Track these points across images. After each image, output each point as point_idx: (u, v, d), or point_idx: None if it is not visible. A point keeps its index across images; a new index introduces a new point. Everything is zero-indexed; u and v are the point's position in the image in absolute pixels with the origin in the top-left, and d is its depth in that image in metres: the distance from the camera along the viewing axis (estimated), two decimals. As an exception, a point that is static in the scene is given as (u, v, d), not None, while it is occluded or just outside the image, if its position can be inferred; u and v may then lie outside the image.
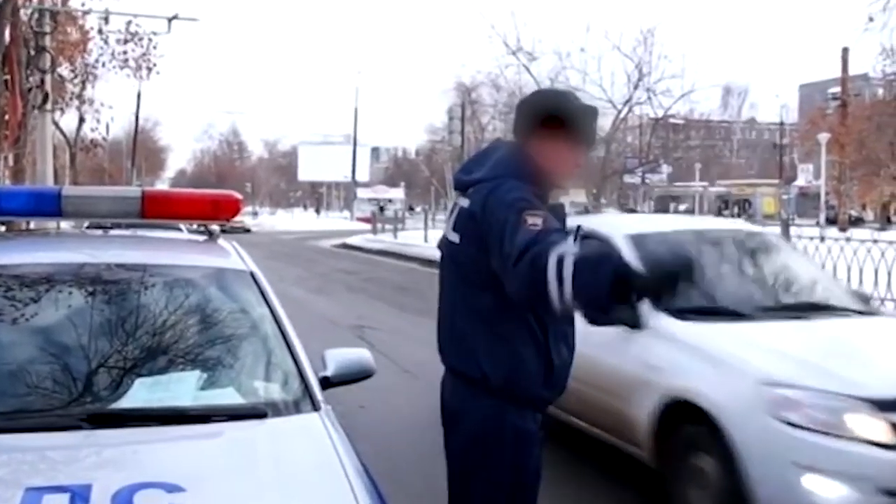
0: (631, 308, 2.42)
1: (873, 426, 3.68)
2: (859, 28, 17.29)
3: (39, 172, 16.52)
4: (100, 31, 20.95)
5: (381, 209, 50.29)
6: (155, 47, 22.11)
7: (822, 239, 12.14)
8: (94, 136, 25.75)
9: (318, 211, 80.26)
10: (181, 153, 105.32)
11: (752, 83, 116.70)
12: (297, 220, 63.71)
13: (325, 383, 2.99)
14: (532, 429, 2.69)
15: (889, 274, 9.92)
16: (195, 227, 5.18)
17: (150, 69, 22.98)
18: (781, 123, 63.94)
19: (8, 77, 13.97)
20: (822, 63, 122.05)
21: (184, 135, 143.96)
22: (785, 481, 3.74)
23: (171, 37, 24.78)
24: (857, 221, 41.78)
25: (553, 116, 2.68)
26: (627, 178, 45.46)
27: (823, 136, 35.59)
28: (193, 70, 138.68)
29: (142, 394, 2.67)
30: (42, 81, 16.28)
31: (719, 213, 46.38)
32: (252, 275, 3.29)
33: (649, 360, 4.50)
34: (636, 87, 27.83)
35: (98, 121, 24.52)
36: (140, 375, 2.74)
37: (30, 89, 15.73)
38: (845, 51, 38.98)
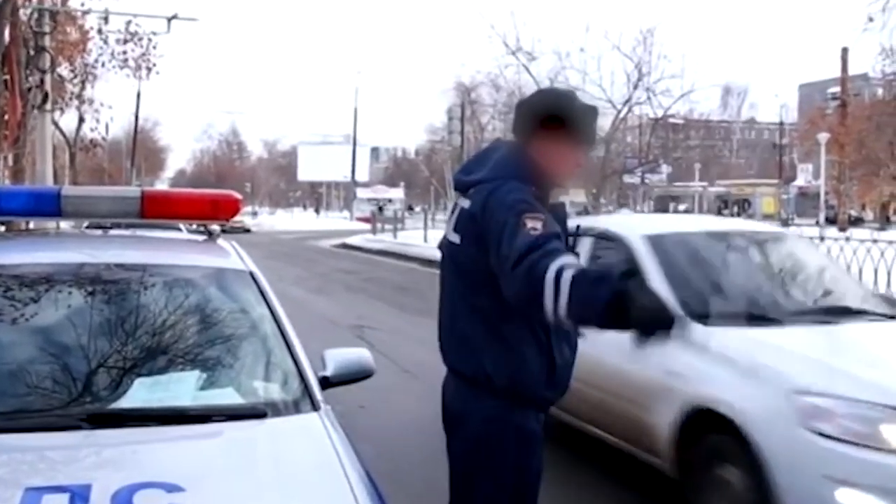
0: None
1: None
2: (859, 28, 17.32)
3: (39, 172, 16.52)
4: (99, 31, 20.95)
5: (380, 209, 50.28)
6: (154, 47, 22.12)
7: (822, 239, 12.18)
8: (93, 136, 25.72)
9: (317, 211, 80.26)
10: (181, 153, 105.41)
11: (752, 83, 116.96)
12: (296, 220, 63.73)
13: (325, 383, 2.99)
14: (535, 429, 2.69)
15: (889, 274, 9.93)
16: (195, 227, 5.18)
17: (149, 69, 22.99)
18: (781, 123, 63.99)
19: (7, 77, 13.96)
20: (822, 63, 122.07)
21: (183, 135, 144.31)
22: (817, 495, 3.55)
23: (171, 37, 24.91)
24: (856, 221, 41.81)
25: (553, 116, 2.67)
26: (627, 178, 45.48)
27: (823, 136, 35.62)
28: (193, 70, 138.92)
29: (141, 394, 2.67)
30: (42, 81, 16.27)
31: (719, 213, 46.37)
32: (252, 275, 3.29)
33: (671, 366, 4.28)
34: (636, 87, 27.87)
35: (98, 121, 24.49)
36: (140, 375, 2.74)
37: (29, 89, 15.72)
38: (845, 51, 39.01)
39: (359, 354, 3.25)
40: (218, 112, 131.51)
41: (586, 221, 6.27)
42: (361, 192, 68.78)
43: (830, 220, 34.99)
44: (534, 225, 2.43)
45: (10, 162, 15.16)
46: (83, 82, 23.83)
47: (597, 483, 5.17)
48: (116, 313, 2.99)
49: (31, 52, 16.32)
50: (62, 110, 23.37)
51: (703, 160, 62.67)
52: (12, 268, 3.15)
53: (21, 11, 15.66)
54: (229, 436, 2.60)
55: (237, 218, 4.23)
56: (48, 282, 3.09)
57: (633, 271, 4.61)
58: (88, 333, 2.86)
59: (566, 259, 2.34)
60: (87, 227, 5.21)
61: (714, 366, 4.15)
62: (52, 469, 2.36)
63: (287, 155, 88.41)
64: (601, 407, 4.89)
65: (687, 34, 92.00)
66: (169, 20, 19.14)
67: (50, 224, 4.69)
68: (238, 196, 3.76)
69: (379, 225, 38.60)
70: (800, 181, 54.33)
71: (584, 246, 5.34)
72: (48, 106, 16.88)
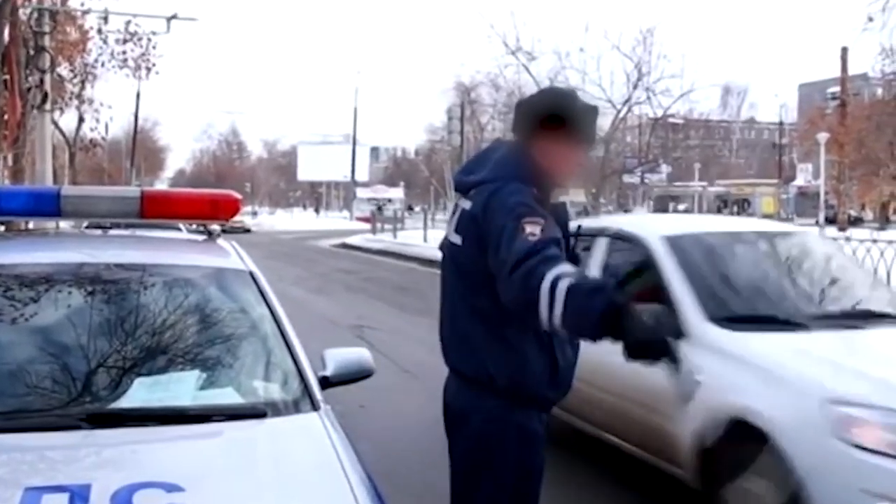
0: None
1: None
2: (858, 28, 17.36)
3: (38, 172, 16.53)
4: (99, 31, 20.97)
5: (380, 209, 50.27)
6: (154, 47, 22.13)
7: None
8: (93, 136, 25.72)
9: (317, 211, 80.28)
10: (180, 153, 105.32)
11: (752, 83, 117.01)
12: (296, 220, 63.76)
13: (325, 383, 2.98)
14: (537, 429, 2.69)
15: (888, 273, 9.92)
16: (194, 227, 5.18)
17: (149, 69, 23.00)
18: (781, 123, 64.03)
19: (7, 77, 13.97)
20: (822, 63, 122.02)
21: (183, 135, 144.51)
22: None
23: (171, 36, 24.86)
24: (856, 221, 41.83)
25: (555, 116, 2.66)
26: (627, 178, 45.56)
27: (823, 136, 35.58)
28: (193, 70, 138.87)
29: (141, 393, 2.67)
30: (41, 81, 16.27)
31: (718, 213, 46.37)
32: (251, 274, 3.29)
33: (693, 373, 4.06)
34: (635, 87, 27.94)
35: (97, 120, 24.47)
36: (139, 375, 2.74)
37: (29, 89, 15.72)
38: (844, 50, 38.97)
39: (358, 354, 3.25)
40: (217, 112, 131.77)
41: (599, 222, 6.10)
42: (361, 192, 68.81)
43: (830, 220, 34.95)
44: (532, 230, 2.42)
45: (10, 162, 15.17)
46: (83, 82, 23.84)
47: (597, 483, 5.17)
48: (116, 313, 2.99)
49: (31, 52, 16.34)
50: (62, 110, 23.38)
51: (703, 160, 62.68)
52: (12, 267, 3.15)
53: (21, 11, 15.67)
54: (229, 436, 2.60)
55: (237, 218, 4.23)
56: (48, 282, 3.09)
57: (654, 291, 4.42)
58: (88, 333, 2.86)
59: (563, 268, 2.33)
60: (87, 227, 5.21)
61: (741, 373, 3.96)
62: (51, 469, 2.35)
63: (287, 155, 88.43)
64: (617, 413, 4.72)
65: (687, 34, 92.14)
66: (168, 20, 19.19)
67: (49, 224, 4.69)
68: (238, 196, 3.76)
69: (379, 225, 38.61)
70: (799, 181, 54.29)
71: (599, 247, 5.25)
72: (48, 106, 16.89)
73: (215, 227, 3.75)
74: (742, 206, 52.21)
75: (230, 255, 3.50)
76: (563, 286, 2.26)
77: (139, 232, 4.21)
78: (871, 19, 16.43)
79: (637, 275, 4.89)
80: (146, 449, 2.48)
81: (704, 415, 3.98)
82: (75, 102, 24.23)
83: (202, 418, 2.62)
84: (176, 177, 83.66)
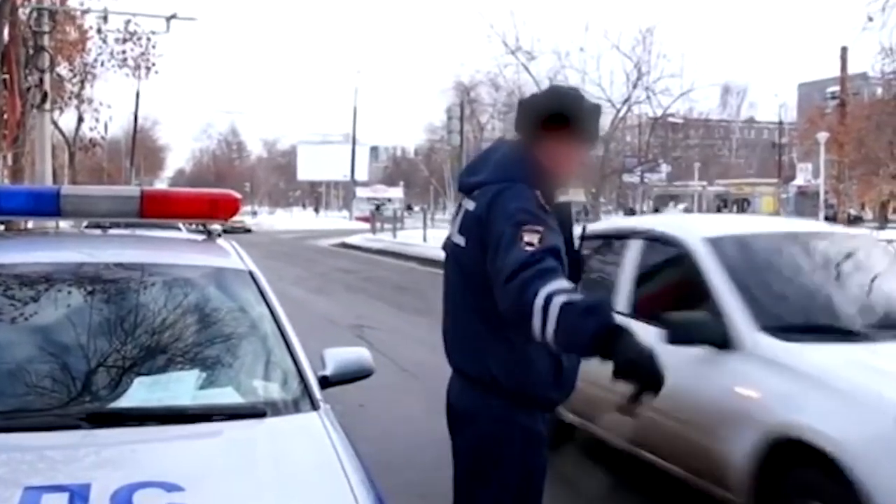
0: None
1: None
2: (858, 27, 17.32)
3: (38, 172, 16.53)
4: (98, 31, 20.99)
5: (379, 208, 50.25)
6: (154, 46, 22.14)
7: None
8: (92, 136, 25.71)
9: (317, 210, 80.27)
10: (180, 153, 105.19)
11: (751, 82, 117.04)
12: (296, 220, 63.77)
13: (324, 382, 2.98)
14: (541, 430, 2.69)
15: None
16: (194, 226, 5.18)
17: (148, 68, 23.03)
18: (780, 123, 63.99)
19: (7, 76, 13.96)
20: (821, 62, 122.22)
21: (183, 134, 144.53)
22: None
23: (170, 36, 24.89)
24: (855, 220, 41.79)
25: (558, 115, 2.66)
26: (626, 178, 45.53)
27: (822, 136, 35.58)
28: (192, 69, 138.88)
29: (141, 393, 2.67)
30: (41, 81, 16.27)
31: (718, 213, 46.36)
32: (251, 274, 3.29)
33: (745, 387, 3.77)
34: (635, 87, 28.00)
35: (97, 120, 24.45)
36: (139, 375, 2.74)
37: (28, 88, 15.71)
38: (844, 50, 38.93)
39: (358, 354, 3.25)
40: (217, 111, 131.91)
41: (630, 222, 5.84)
42: (361, 192, 68.83)
43: (830, 220, 34.89)
44: (530, 239, 2.41)
45: (10, 161, 15.16)
46: (82, 82, 23.84)
47: (600, 484, 5.16)
48: (116, 313, 2.99)
49: (31, 52, 16.33)
50: (61, 110, 23.39)
51: (703, 159, 62.67)
52: (12, 267, 3.15)
53: (20, 11, 15.67)
54: (229, 435, 2.60)
55: (237, 217, 4.23)
56: (47, 281, 3.09)
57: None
58: (88, 333, 2.86)
59: (558, 283, 2.32)
60: (87, 227, 5.21)
61: (800, 388, 3.58)
62: (51, 468, 2.35)
63: (286, 154, 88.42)
64: (653, 428, 4.21)
65: (686, 34, 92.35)
66: (168, 20, 19.21)
67: (49, 223, 4.69)
68: (237, 195, 3.76)
69: (378, 224, 38.64)
70: (799, 180, 54.20)
71: (633, 250, 4.94)
72: (47, 105, 16.89)
73: (215, 226, 3.75)
74: (742, 205, 52.19)
75: (230, 255, 3.50)
76: (556, 303, 2.26)
77: (139, 231, 4.21)
78: (870, 19, 16.43)
79: (675, 279, 4.66)
80: (146, 448, 2.48)
81: (757, 435, 3.63)
82: (75, 102, 24.25)
83: (202, 418, 2.62)
84: (175, 176, 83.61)
